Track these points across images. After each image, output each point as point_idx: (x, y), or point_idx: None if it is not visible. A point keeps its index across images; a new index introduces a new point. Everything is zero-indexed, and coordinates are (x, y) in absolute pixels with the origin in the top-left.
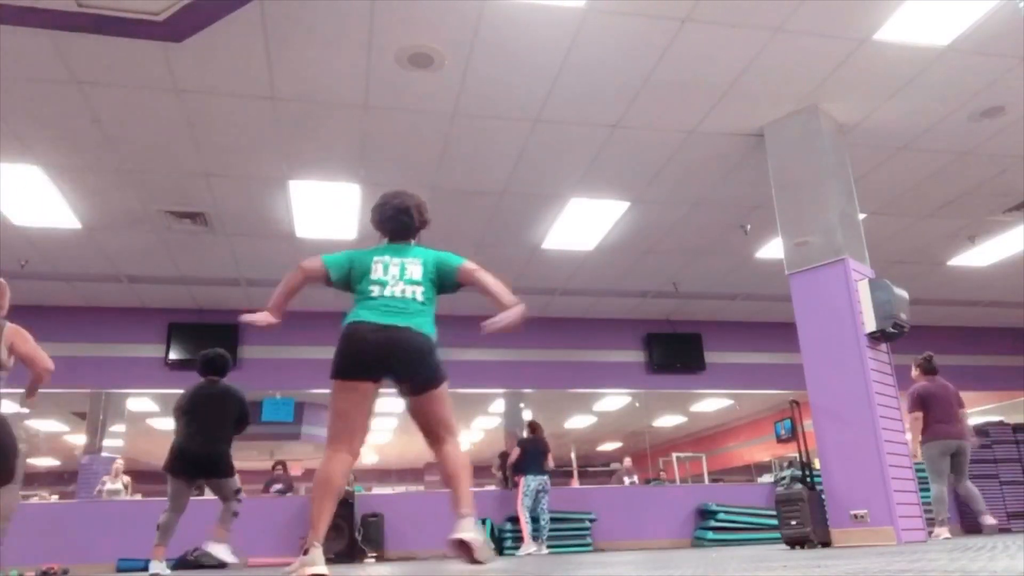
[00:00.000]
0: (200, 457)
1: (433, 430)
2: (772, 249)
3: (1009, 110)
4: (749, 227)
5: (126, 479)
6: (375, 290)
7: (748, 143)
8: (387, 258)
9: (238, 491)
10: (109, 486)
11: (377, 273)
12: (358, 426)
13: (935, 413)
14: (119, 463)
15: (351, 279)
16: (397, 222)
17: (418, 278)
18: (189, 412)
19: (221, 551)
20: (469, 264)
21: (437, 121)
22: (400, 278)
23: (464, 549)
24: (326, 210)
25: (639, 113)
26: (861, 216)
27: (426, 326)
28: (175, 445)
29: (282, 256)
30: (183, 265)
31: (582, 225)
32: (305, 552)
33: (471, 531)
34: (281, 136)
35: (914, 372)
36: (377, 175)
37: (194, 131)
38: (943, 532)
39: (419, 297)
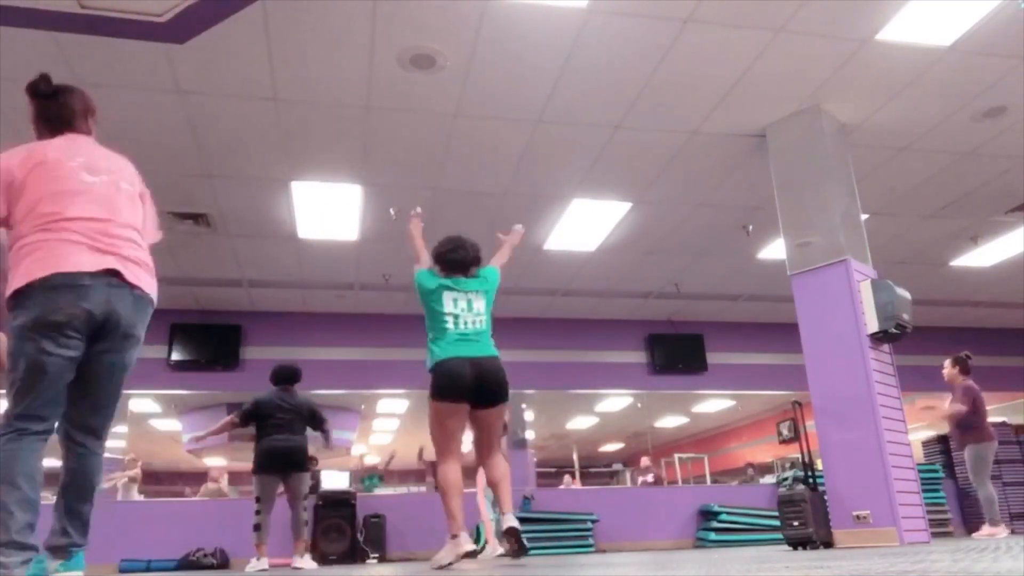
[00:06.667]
0: (282, 452)
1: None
2: (774, 250)
3: (1011, 110)
4: (751, 228)
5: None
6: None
7: (750, 144)
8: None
9: (306, 496)
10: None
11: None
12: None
13: (983, 414)
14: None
15: None
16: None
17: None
18: (268, 416)
19: (308, 561)
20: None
21: (439, 122)
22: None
23: (513, 534)
24: (328, 211)
25: (641, 114)
26: (863, 217)
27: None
28: (260, 446)
29: (284, 257)
30: (185, 266)
31: (584, 226)
32: (453, 537)
33: (515, 521)
34: (283, 137)
35: (952, 369)
36: (379, 176)
37: (196, 132)
38: (999, 531)
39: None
